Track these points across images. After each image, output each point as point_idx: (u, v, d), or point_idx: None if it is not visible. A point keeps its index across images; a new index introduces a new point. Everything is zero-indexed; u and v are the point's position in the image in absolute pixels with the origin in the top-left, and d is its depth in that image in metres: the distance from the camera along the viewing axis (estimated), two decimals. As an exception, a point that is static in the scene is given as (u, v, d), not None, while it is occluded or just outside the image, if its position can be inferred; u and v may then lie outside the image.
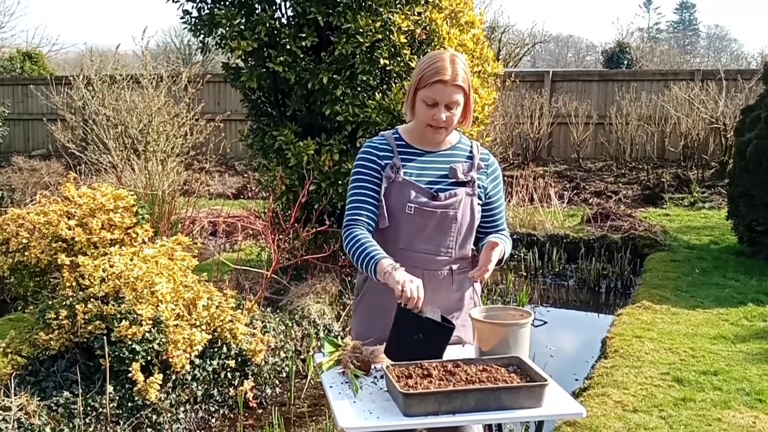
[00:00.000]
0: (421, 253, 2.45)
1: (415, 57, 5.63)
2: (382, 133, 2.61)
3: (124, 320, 3.69)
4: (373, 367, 2.29)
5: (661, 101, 12.00)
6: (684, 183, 10.84)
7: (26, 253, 4.17)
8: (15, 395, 3.43)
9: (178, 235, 4.52)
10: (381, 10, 5.53)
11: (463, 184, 2.51)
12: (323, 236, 5.72)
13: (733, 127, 9.67)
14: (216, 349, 4.10)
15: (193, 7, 5.88)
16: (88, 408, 3.55)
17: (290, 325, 4.88)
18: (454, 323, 2.54)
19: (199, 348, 3.90)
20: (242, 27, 5.63)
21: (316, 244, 5.77)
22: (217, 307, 4.10)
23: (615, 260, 7.35)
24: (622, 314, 5.40)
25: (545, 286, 7.42)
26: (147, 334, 3.69)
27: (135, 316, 3.71)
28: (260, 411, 4.24)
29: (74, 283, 3.92)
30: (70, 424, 3.45)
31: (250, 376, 4.23)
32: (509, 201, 8.89)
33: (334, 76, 5.59)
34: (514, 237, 7.72)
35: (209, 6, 5.79)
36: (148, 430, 3.68)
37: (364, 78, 5.57)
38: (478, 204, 2.54)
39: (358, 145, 5.84)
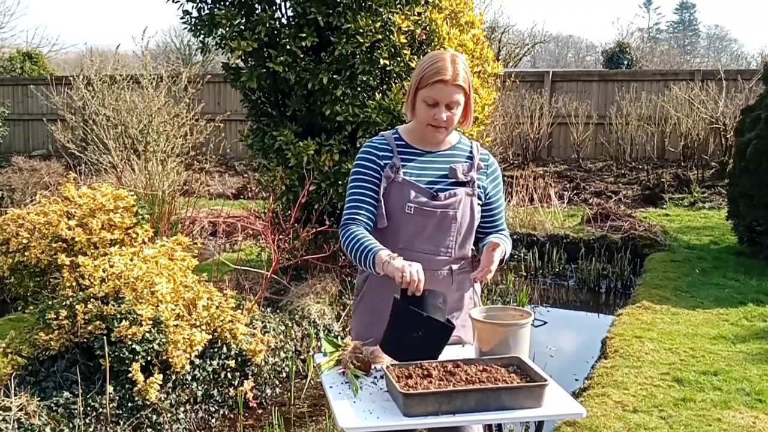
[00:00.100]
0: (420, 252, 2.45)
1: (415, 57, 5.63)
2: (382, 133, 2.61)
3: (124, 320, 3.69)
4: (373, 367, 2.29)
5: (661, 101, 12.01)
6: (684, 183, 10.84)
7: (26, 253, 4.17)
8: (15, 395, 3.43)
9: (178, 235, 4.52)
10: (381, 10, 5.53)
11: (462, 184, 2.51)
12: (323, 236, 5.72)
13: (733, 127, 9.67)
14: (216, 350, 4.10)
15: (193, 8, 5.88)
16: (88, 408, 3.55)
17: (290, 325, 4.88)
18: (454, 323, 2.54)
19: (199, 348, 3.90)
20: (242, 27, 5.63)
21: (316, 245, 5.77)
22: (217, 308, 4.10)
23: (615, 260, 7.36)
24: (622, 314, 5.41)
25: (545, 286, 7.42)
26: (147, 335, 3.69)
27: (135, 316, 3.71)
28: (260, 411, 4.24)
29: (74, 284, 3.92)
30: (70, 425, 3.45)
31: (250, 377, 4.23)
32: (509, 201, 8.90)
33: (334, 76, 5.59)
34: (514, 237, 7.73)
35: (209, 6, 5.79)
36: (148, 430, 3.68)
37: (364, 78, 5.58)
38: (478, 204, 2.55)
39: (358, 145, 5.84)
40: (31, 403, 3.40)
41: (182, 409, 3.88)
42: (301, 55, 5.61)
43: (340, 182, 5.62)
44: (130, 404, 3.65)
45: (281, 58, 5.55)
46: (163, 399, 3.76)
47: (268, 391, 4.38)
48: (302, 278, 5.75)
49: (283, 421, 3.98)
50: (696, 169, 11.51)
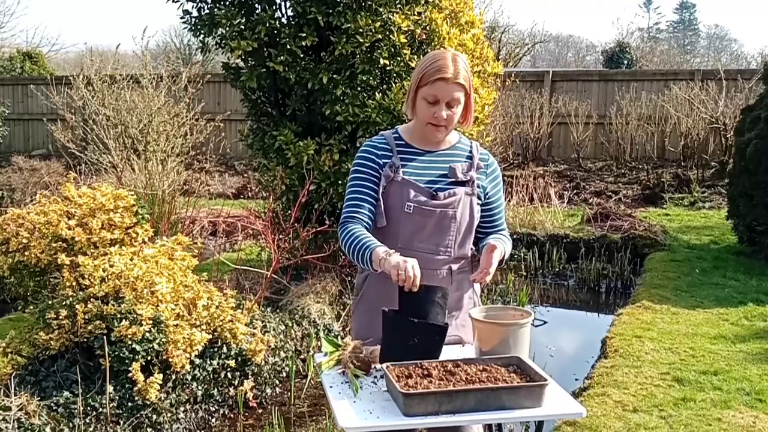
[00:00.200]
0: (420, 252, 2.45)
1: (415, 57, 5.64)
2: (381, 132, 2.61)
3: (124, 320, 3.69)
4: (373, 367, 2.29)
5: (661, 101, 12.00)
6: (684, 183, 10.84)
7: (26, 253, 4.17)
8: (15, 395, 3.43)
9: (178, 235, 4.52)
10: (381, 10, 5.53)
11: (462, 183, 2.51)
12: (323, 236, 5.72)
13: (733, 127, 9.66)
14: (216, 349, 4.10)
15: (193, 7, 5.88)
16: (88, 408, 3.55)
17: (290, 324, 4.88)
18: (454, 323, 2.55)
19: (199, 348, 3.90)
20: (242, 27, 5.63)
21: (316, 244, 5.78)
22: (217, 307, 4.10)
23: (615, 260, 7.36)
24: (622, 314, 5.40)
25: (545, 286, 7.42)
26: (147, 334, 3.69)
27: (135, 315, 3.71)
28: (260, 411, 4.24)
29: (74, 283, 3.92)
30: (70, 424, 3.45)
31: (250, 376, 4.23)
32: (509, 201, 8.89)
33: (334, 75, 5.59)
34: (514, 237, 7.72)
35: (209, 6, 5.79)
36: (148, 429, 3.68)
37: (364, 78, 5.58)
38: (478, 204, 2.55)
39: (358, 144, 5.84)
40: (31, 403, 3.40)
41: (182, 408, 3.88)
42: (301, 55, 5.61)
43: (340, 182, 5.62)
44: (130, 404, 3.65)
45: (281, 57, 5.55)
46: (163, 399, 3.76)
47: (268, 390, 4.38)
48: (302, 278, 5.75)
49: (283, 421, 3.98)
50: (696, 168, 11.51)
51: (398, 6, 5.67)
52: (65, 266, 4.00)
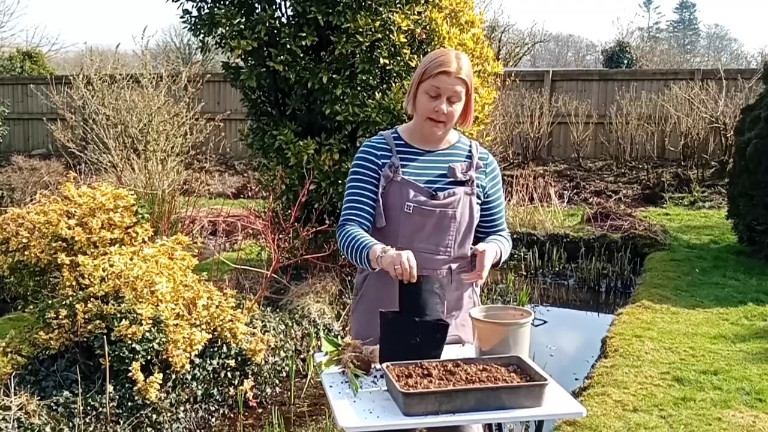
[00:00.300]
0: (420, 252, 2.44)
1: (415, 56, 5.64)
2: (381, 132, 2.61)
3: (124, 320, 3.69)
4: (373, 366, 2.29)
5: (661, 101, 12.00)
6: (684, 182, 10.84)
7: (26, 253, 4.17)
8: (15, 394, 3.43)
9: (178, 234, 4.52)
10: (381, 9, 5.53)
11: (461, 183, 2.51)
12: (323, 236, 5.72)
13: (733, 126, 9.66)
14: (216, 349, 4.10)
15: (193, 7, 5.88)
16: (88, 407, 3.55)
17: (290, 324, 4.88)
18: (454, 322, 2.54)
19: (199, 347, 3.90)
20: (242, 26, 5.63)
21: (316, 244, 5.78)
22: (217, 307, 4.10)
23: (615, 260, 7.36)
24: (622, 313, 5.40)
25: (545, 286, 7.42)
26: (147, 334, 3.69)
27: (135, 315, 3.71)
28: (260, 410, 4.24)
29: (74, 283, 3.92)
30: (70, 424, 3.45)
31: (250, 376, 4.22)
32: (509, 200, 8.89)
33: (334, 75, 5.59)
34: (514, 237, 7.72)
35: (209, 5, 5.79)
36: (148, 429, 3.68)
37: (364, 77, 5.58)
38: (477, 203, 2.55)
39: (358, 144, 5.84)
40: (30, 403, 3.40)
41: (182, 408, 3.88)
42: (301, 55, 5.61)
43: (340, 181, 5.62)
44: (130, 403, 3.65)
45: (281, 57, 5.55)
46: (163, 398, 3.76)
47: (268, 390, 4.38)
48: (302, 277, 5.75)
49: (283, 421, 3.98)
50: (696, 168, 11.51)
51: (398, 5, 5.66)
52: (65, 266, 4.00)
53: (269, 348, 4.40)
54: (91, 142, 8.10)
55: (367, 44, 5.50)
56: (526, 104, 12.84)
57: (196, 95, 8.50)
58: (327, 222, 5.55)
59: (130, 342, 3.65)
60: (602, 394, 3.92)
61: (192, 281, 4.13)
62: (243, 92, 6.13)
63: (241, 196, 10.30)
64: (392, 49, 5.60)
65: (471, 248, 2.51)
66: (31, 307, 4.15)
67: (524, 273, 7.58)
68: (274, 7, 5.69)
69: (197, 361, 3.97)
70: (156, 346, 3.71)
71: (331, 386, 2.19)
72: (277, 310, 5.11)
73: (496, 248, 2.49)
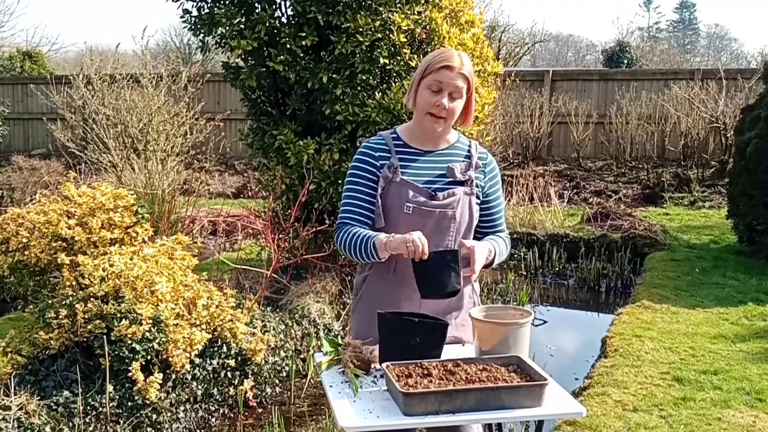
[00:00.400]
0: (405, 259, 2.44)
1: (415, 56, 5.64)
2: (380, 133, 2.61)
3: (124, 319, 3.69)
4: (373, 366, 2.29)
5: (661, 101, 12.00)
6: (684, 182, 10.84)
7: (26, 253, 4.17)
8: (15, 394, 3.43)
9: (178, 234, 4.52)
10: (381, 9, 5.53)
11: (461, 183, 2.51)
12: (323, 235, 5.72)
13: (733, 126, 9.66)
14: (216, 349, 4.10)
15: (193, 7, 5.88)
16: (88, 407, 3.55)
17: (290, 324, 4.88)
18: (453, 322, 2.54)
19: (199, 347, 3.90)
20: (242, 26, 5.63)
21: (316, 244, 5.77)
22: (217, 307, 4.10)
23: (615, 259, 7.36)
24: (622, 313, 5.40)
25: (545, 286, 7.42)
26: (147, 334, 3.69)
27: (135, 315, 3.71)
28: (260, 410, 4.24)
29: (74, 283, 3.92)
30: (70, 424, 3.45)
31: (250, 376, 4.23)
32: (509, 200, 8.90)
33: (334, 75, 5.59)
34: (514, 237, 7.73)
35: (209, 5, 5.79)
36: (148, 429, 3.68)
37: (364, 77, 5.57)
38: (477, 203, 2.54)
39: (358, 144, 5.84)
40: (30, 402, 3.40)
41: (182, 408, 3.88)
42: (301, 54, 5.61)
43: (340, 181, 5.62)
44: (130, 403, 3.65)
45: (281, 57, 5.55)
46: (163, 398, 3.76)
47: (268, 390, 4.38)
48: (302, 277, 5.75)
49: (283, 421, 3.98)
50: (696, 168, 11.51)
51: (398, 5, 5.66)
52: (65, 266, 4.00)
53: (269, 348, 4.40)
54: (91, 141, 8.10)
55: (367, 44, 5.50)
56: (526, 104, 12.84)
57: (196, 95, 8.51)
58: (327, 222, 5.55)
59: (130, 342, 3.65)
60: (602, 394, 3.92)
61: (192, 281, 4.13)
62: (243, 92, 6.13)
63: (241, 195, 10.30)
64: (392, 48, 5.60)
65: (459, 242, 2.46)
66: (31, 307, 4.15)
67: (524, 273, 7.58)
68: (274, 6, 5.69)
69: (197, 360, 3.97)
70: (156, 346, 3.71)
71: (331, 386, 2.20)
72: (277, 310, 5.11)
73: (489, 245, 2.48)
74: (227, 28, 5.61)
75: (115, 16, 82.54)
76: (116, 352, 3.65)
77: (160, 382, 3.67)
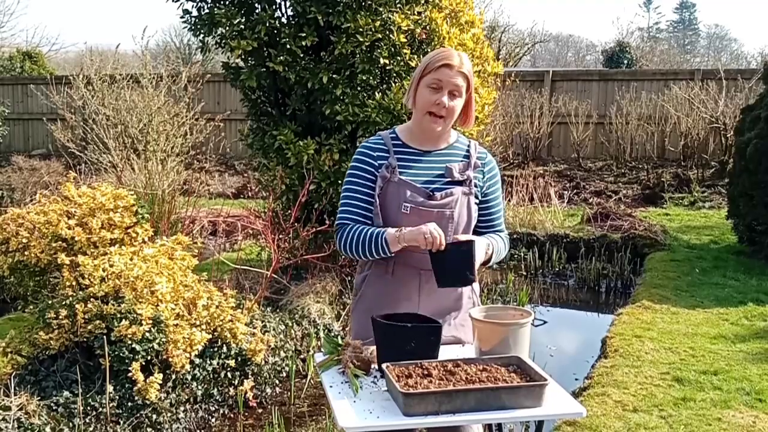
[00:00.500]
0: (417, 252, 2.45)
1: (415, 56, 5.64)
2: (379, 133, 2.61)
3: (124, 320, 3.69)
4: (373, 366, 2.29)
5: (661, 101, 12.00)
6: (684, 182, 10.84)
7: (26, 253, 4.17)
8: (15, 395, 3.43)
9: (178, 234, 4.52)
10: (381, 9, 5.53)
11: (459, 183, 2.51)
12: (323, 236, 5.72)
13: (733, 126, 9.66)
14: (216, 349, 4.10)
15: (193, 7, 5.88)
16: (88, 407, 3.55)
17: (290, 324, 4.88)
18: (453, 323, 2.55)
19: (199, 347, 3.90)
20: (242, 26, 5.63)
21: (316, 244, 5.78)
22: (217, 307, 4.10)
23: (615, 260, 7.36)
24: (622, 314, 5.40)
25: (545, 286, 7.42)
26: (147, 334, 3.69)
27: (135, 315, 3.71)
28: (260, 410, 4.24)
29: (74, 283, 3.92)
30: (70, 424, 3.45)
31: (250, 376, 4.23)
32: (509, 201, 8.90)
33: (334, 75, 5.59)
34: (514, 237, 7.73)
35: (209, 5, 5.79)
36: (148, 429, 3.68)
37: (364, 77, 5.58)
38: (475, 203, 2.54)
39: (358, 144, 5.83)
40: (31, 403, 3.40)
41: (182, 408, 3.88)
42: (301, 55, 5.61)
43: (340, 181, 5.62)
44: (130, 404, 3.65)
45: (281, 57, 5.55)
46: (163, 398, 3.76)
47: (268, 390, 4.38)
48: (302, 278, 5.75)
49: (283, 421, 3.98)
50: (696, 168, 11.51)
51: (398, 5, 5.67)
52: (65, 266, 4.00)
53: (269, 348, 4.40)
54: (91, 142, 8.10)
55: (367, 44, 5.50)
56: (526, 104, 12.84)
57: (196, 95, 8.50)
58: (327, 222, 5.54)
59: (130, 342, 3.65)
60: (602, 394, 3.92)
61: (192, 281, 4.13)
62: (243, 92, 6.13)
63: (241, 196, 10.30)
64: (392, 49, 5.60)
65: (453, 237, 2.45)
66: (31, 307, 4.15)
67: (524, 273, 7.58)
68: (274, 7, 5.70)
69: (197, 361, 3.97)
70: (156, 347, 3.71)
71: (331, 386, 2.19)
72: (277, 310, 5.11)
73: (487, 241, 2.49)
74: (227, 28, 5.61)
75: (115, 16, 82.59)
76: (116, 353, 3.65)
77: (160, 382, 3.67)
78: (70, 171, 6.51)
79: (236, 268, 5.52)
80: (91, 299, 3.78)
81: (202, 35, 5.85)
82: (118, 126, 7.98)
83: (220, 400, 4.11)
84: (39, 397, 3.50)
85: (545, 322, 6.33)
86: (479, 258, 2.40)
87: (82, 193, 4.37)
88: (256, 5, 5.72)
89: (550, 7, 79.05)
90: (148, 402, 3.66)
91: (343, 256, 5.85)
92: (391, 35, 5.55)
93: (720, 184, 10.48)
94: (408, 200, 2.45)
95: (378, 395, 2.13)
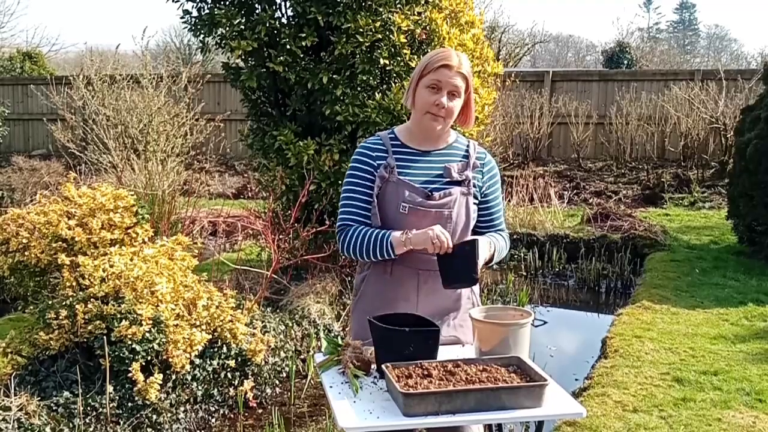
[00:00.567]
0: (416, 252, 2.45)
1: (415, 57, 5.64)
2: (377, 133, 2.62)
3: (124, 320, 3.69)
4: (373, 367, 2.29)
5: (661, 101, 12.00)
6: (684, 183, 10.84)
7: (26, 253, 4.17)
8: (15, 395, 3.43)
9: (178, 235, 4.52)
10: (381, 9, 5.53)
11: (458, 183, 2.51)
12: (323, 236, 5.72)
13: (733, 127, 9.67)
14: (216, 349, 4.10)
15: (193, 7, 5.88)
16: (88, 408, 3.55)
17: (290, 325, 4.88)
18: (452, 323, 2.55)
19: (199, 348, 3.90)
20: (242, 27, 5.63)
21: (316, 244, 5.78)
22: (217, 307, 4.10)
23: (615, 260, 7.36)
24: (622, 314, 5.40)
25: (545, 286, 7.42)
26: (147, 334, 3.69)
27: (135, 316, 3.71)
28: (260, 411, 4.24)
29: (74, 283, 3.92)
30: (70, 424, 3.45)
31: (250, 376, 4.23)
32: (509, 201, 8.90)
33: (334, 76, 5.59)
34: (514, 237, 7.73)
35: (209, 6, 5.79)
36: (148, 430, 3.68)
37: (364, 78, 5.58)
38: (474, 203, 2.54)
39: (358, 144, 5.84)
40: (31, 403, 3.40)
41: (182, 408, 3.88)
42: (301, 55, 5.61)
43: (340, 182, 5.62)
44: (130, 404, 3.65)
45: (281, 57, 5.55)
46: (163, 399, 3.76)
47: (268, 390, 4.38)
48: (302, 278, 5.75)
49: (283, 421, 3.98)
50: (696, 168, 11.51)
51: (398, 6, 5.67)
52: (65, 266, 4.00)
53: (269, 348, 4.40)
54: (91, 142, 8.10)
55: (367, 45, 5.50)
56: (526, 105, 12.84)
57: (196, 96, 8.51)
58: (327, 222, 5.55)
59: (130, 342, 3.65)
60: (602, 394, 3.92)
61: (192, 282, 4.13)
62: (243, 93, 6.13)
63: (241, 196, 10.30)
64: (392, 49, 5.60)
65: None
66: (32, 307, 4.15)
67: (524, 273, 7.58)
68: (274, 7, 5.70)
69: (197, 361, 3.97)
70: (156, 347, 3.72)
71: (331, 387, 2.20)
72: (277, 310, 5.11)
73: (489, 240, 2.49)
74: (227, 28, 5.61)
75: (115, 16, 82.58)
76: (116, 353, 3.65)
77: (160, 382, 3.67)
78: (70, 171, 6.51)
79: (236, 268, 5.52)
80: (92, 299, 3.78)
81: (202, 36, 5.85)
82: (118, 126, 7.99)
83: (220, 400, 4.11)
84: (39, 398, 3.50)
85: (545, 323, 6.33)
86: (483, 257, 2.41)
87: (82, 193, 4.37)
88: (257, 6, 5.73)
89: (550, 8, 79.06)
90: (148, 402, 3.66)
91: (343, 257, 5.85)
92: (391, 36, 5.55)
93: (720, 185, 10.48)
94: (406, 200, 2.45)
95: (378, 395, 2.13)
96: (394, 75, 5.75)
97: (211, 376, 4.06)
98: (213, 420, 4.04)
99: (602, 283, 7.26)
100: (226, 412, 4.13)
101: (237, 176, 12.51)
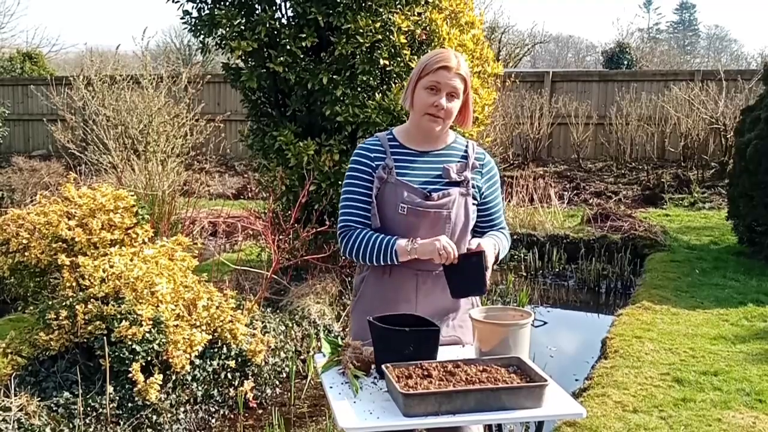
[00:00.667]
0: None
1: (415, 57, 5.64)
2: (376, 134, 2.62)
3: (124, 320, 3.69)
4: (372, 367, 2.29)
5: (661, 101, 12.01)
6: (684, 183, 10.84)
7: (26, 254, 4.17)
8: (15, 395, 3.43)
9: (178, 235, 4.52)
10: (381, 10, 5.53)
11: (457, 183, 2.51)
12: (323, 236, 5.72)
13: (733, 127, 9.67)
14: (216, 350, 4.10)
15: (193, 8, 5.89)
16: (88, 408, 3.55)
17: (290, 325, 4.88)
18: (452, 323, 2.55)
19: (199, 348, 3.90)
20: (242, 27, 5.63)
21: (316, 245, 5.78)
22: (217, 308, 4.10)
23: (615, 260, 7.36)
24: (622, 314, 5.40)
25: (545, 287, 7.42)
26: (147, 335, 3.69)
27: (135, 316, 3.71)
28: (260, 411, 4.24)
29: (74, 284, 3.92)
30: (70, 425, 3.45)
31: (250, 377, 4.23)
32: (509, 201, 8.90)
33: (334, 76, 5.59)
34: (514, 237, 7.72)
35: (209, 6, 5.80)
36: (148, 430, 3.68)
37: (364, 78, 5.58)
38: (473, 204, 2.54)
39: (358, 145, 5.84)
40: (31, 403, 3.40)
41: (182, 409, 3.88)
42: (301, 56, 5.61)
43: (340, 182, 5.62)
44: (130, 404, 3.65)
45: (281, 58, 5.55)
46: (163, 399, 3.76)
47: (268, 391, 4.38)
48: (302, 278, 5.75)
49: (283, 422, 3.98)
50: (696, 169, 11.51)
51: (398, 6, 5.67)
52: (65, 267, 4.00)
53: (269, 349, 4.40)
54: (92, 143, 8.10)
55: (367, 45, 5.50)
56: (526, 105, 12.85)
57: (196, 96, 8.51)
58: (327, 223, 5.55)
59: (130, 343, 3.66)
60: (602, 395, 3.92)
61: (192, 282, 4.13)
62: (243, 93, 6.13)
63: (241, 197, 10.31)
64: (392, 50, 5.60)
65: (468, 248, 2.49)
66: (32, 308, 4.15)
67: (524, 274, 7.58)
68: (274, 8, 5.70)
69: (197, 362, 3.97)
70: (156, 347, 3.72)
71: (331, 387, 2.20)
72: (277, 311, 5.11)
73: (493, 241, 2.49)
74: (227, 29, 5.61)
75: (115, 17, 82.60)
76: (116, 353, 3.65)
77: (161, 383, 3.67)
78: (71, 172, 6.51)
79: (236, 268, 5.52)
80: (92, 300, 3.78)
81: (202, 36, 5.85)
82: (118, 127, 7.99)
83: (220, 400, 4.11)
84: (39, 398, 3.50)
85: (545, 323, 6.33)
86: (490, 265, 2.43)
87: (82, 193, 4.37)
88: (257, 6, 5.73)
89: (550, 8, 79.08)
90: (148, 403, 3.66)
91: (343, 257, 5.85)
92: (391, 36, 5.55)
93: (720, 185, 10.48)
94: (405, 201, 2.45)
95: (378, 396, 2.13)
96: (394, 75, 5.75)
97: (211, 377, 4.06)
98: (213, 420, 4.04)
99: (602, 284, 7.26)
100: (226, 413, 4.13)
101: (237, 177, 12.51)
